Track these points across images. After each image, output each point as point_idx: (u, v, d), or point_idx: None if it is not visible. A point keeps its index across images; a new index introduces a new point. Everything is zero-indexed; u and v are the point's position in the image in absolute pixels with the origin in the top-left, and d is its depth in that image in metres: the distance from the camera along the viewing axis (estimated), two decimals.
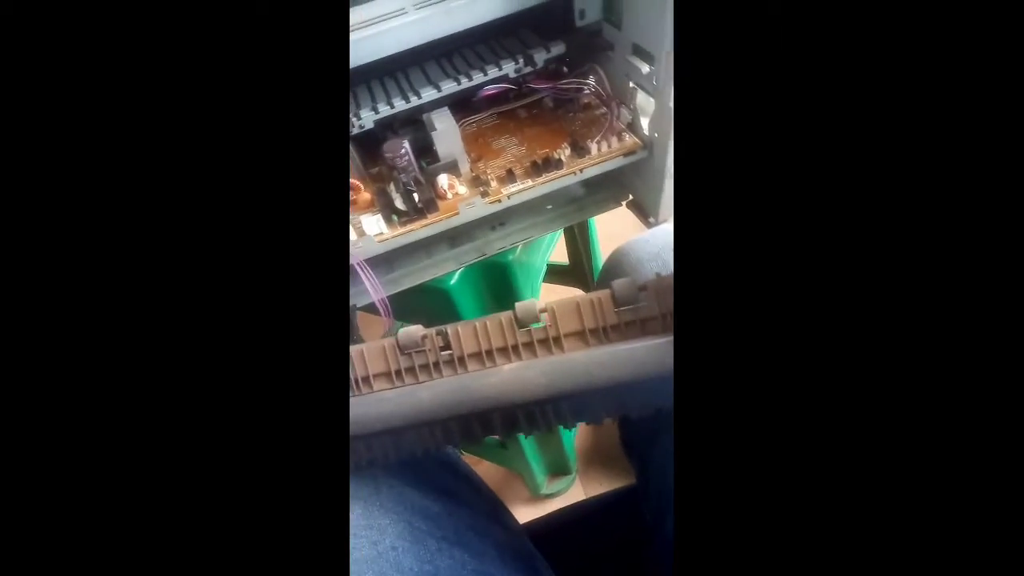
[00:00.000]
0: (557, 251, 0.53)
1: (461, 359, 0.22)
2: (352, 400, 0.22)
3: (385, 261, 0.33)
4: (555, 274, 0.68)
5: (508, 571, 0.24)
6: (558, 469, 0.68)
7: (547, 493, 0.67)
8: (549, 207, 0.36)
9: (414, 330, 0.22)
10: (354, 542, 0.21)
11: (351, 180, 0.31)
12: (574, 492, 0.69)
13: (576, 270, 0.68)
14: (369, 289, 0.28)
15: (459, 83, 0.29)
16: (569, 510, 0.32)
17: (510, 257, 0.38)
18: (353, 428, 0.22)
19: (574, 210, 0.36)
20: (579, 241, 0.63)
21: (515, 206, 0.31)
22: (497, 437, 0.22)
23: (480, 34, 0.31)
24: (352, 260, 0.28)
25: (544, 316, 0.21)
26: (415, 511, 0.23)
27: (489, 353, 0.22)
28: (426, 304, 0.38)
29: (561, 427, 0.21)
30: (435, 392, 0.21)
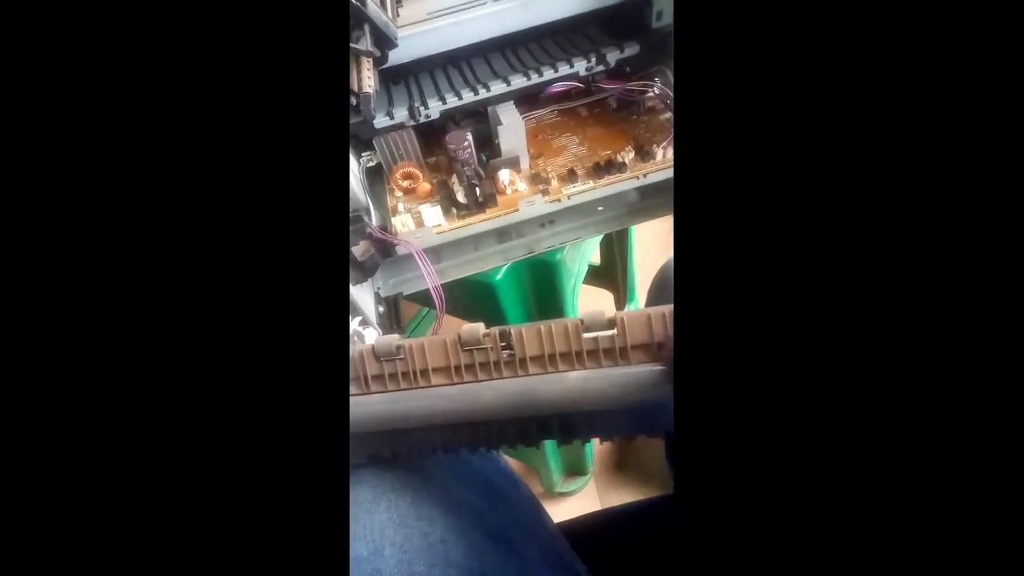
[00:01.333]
0: None
1: (523, 361, 0.22)
2: (409, 393, 0.23)
3: (432, 251, 0.33)
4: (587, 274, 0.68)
5: (549, 572, 0.24)
6: (575, 469, 0.68)
7: (561, 491, 0.68)
8: (600, 208, 0.35)
9: (476, 327, 0.22)
10: (405, 532, 0.21)
11: (410, 168, 0.31)
12: (588, 493, 0.69)
13: (608, 271, 0.67)
14: (426, 277, 0.28)
15: (529, 78, 0.29)
16: (605, 514, 0.32)
17: (558, 256, 0.38)
18: (409, 420, 0.22)
19: (626, 214, 0.35)
20: (615, 243, 0.62)
21: (567, 206, 0.31)
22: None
23: (548, 28, 0.31)
24: (411, 249, 0.28)
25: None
26: (462, 505, 0.24)
27: (552, 358, 0.21)
28: (469, 297, 0.38)
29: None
30: (499, 393, 0.21)
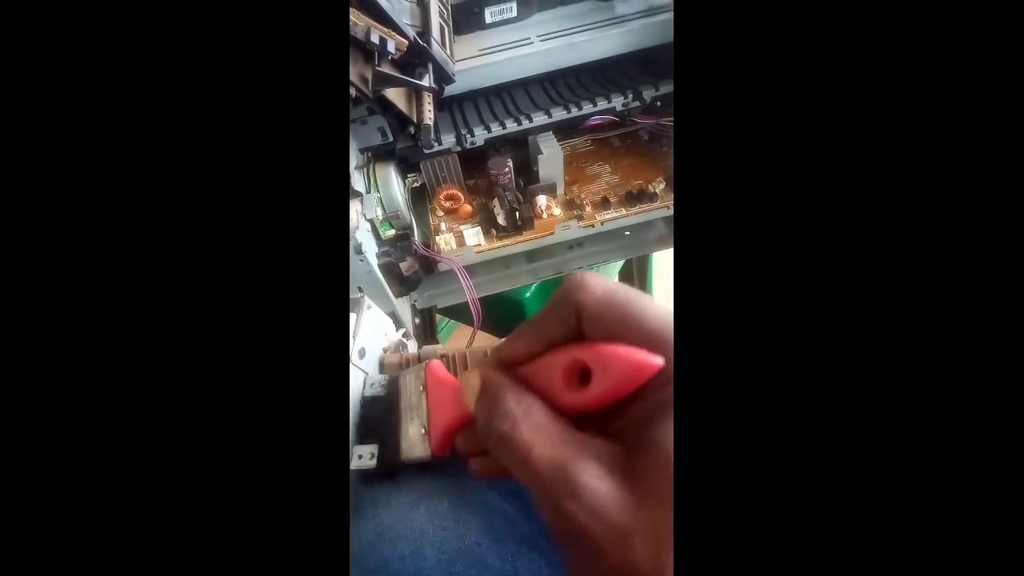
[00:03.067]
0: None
1: None
2: None
3: (468, 269, 0.35)
4: None
5: None
6: None
7: None
8: (627, 233, 0.37)
9: None
10: (444, 534, 0.23)
11: (453, 191, 0.33)
12: None
13: None
14: (467, 292, 0.29)
15: (568, 111, 0.31)
16: None
17: None
18: None
19: (651, 241, 0.37)
20: (635, 267, 0.64)
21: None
22: None
23: (588, 66, 0.33)
24: (453, 266, 0.30)
25: None
26: (495, 511, 0.25)
27: None
28: (498, 312, 0.40)
29: None
30: None
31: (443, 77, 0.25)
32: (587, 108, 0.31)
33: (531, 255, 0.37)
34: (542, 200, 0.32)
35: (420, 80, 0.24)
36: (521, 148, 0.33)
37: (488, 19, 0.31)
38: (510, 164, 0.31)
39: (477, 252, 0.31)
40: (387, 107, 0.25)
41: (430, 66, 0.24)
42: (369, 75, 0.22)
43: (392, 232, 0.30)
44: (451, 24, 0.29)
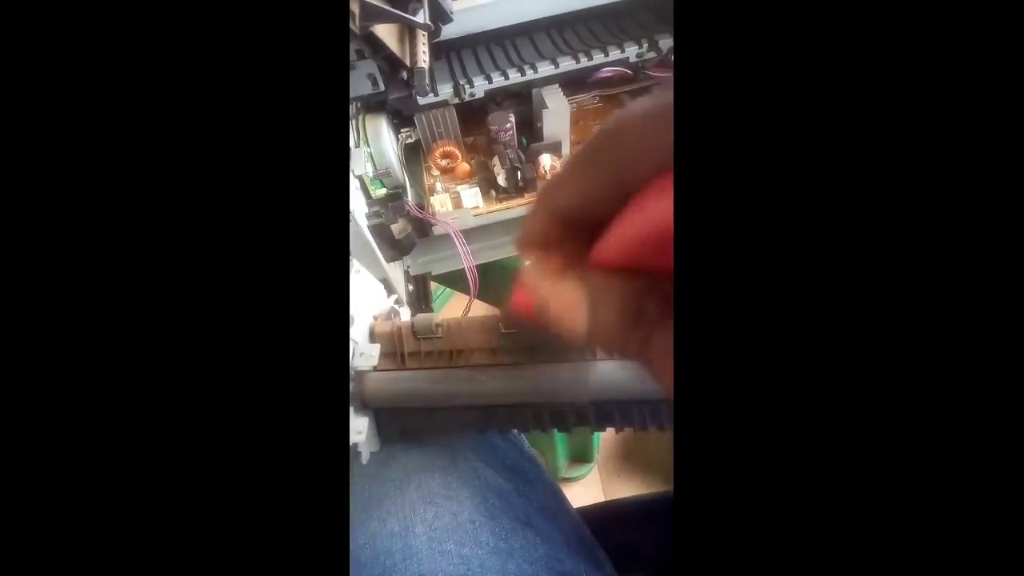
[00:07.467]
0: None
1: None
2: (445, 372, 0.23)
3: (464, 233, 0.33)
4: None
5: (573, 557, 0.24)
6: (580, 456, 0.69)
7: (565, 477, 0.68)
8: None
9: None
10: (435, 510, 0.22)
11: (449, 147, 0.31)
12: (591, 481, 0.70)
13: None
14: (463, 259, 0.28)
15: (578, 61, 0.28)
16: (627, 502, 0.32)
17: None
18: (443, 399, 0.22)
19: None
20: None
21: None
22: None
23: (598, 11, 0.30)
24: (449, 230, 0.28)
25: None
26: (489, 487, 0.24)
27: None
28: (496, 281, 0.38)
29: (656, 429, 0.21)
30: (541, 377, 0.21)
31: (440, 15, 0.22)
32: (598, 58, 0.29)
33: None
34: (546, 160, 0.29)
35: (414, 16, 0.21)
36: (524, 103, 0.31)
37: None
38: (512, 120, 0.29)
39: (475, 215, 0.29)
40: (377, 47, 0.22)
41: (425, 1, 0.21)
42: (357, 8, 0.19)
43: (383, 191, 0.28)
44: None
